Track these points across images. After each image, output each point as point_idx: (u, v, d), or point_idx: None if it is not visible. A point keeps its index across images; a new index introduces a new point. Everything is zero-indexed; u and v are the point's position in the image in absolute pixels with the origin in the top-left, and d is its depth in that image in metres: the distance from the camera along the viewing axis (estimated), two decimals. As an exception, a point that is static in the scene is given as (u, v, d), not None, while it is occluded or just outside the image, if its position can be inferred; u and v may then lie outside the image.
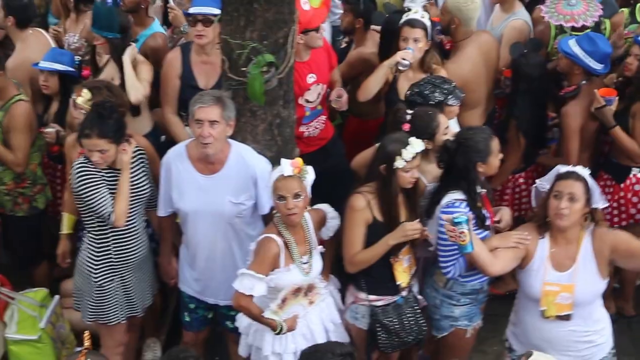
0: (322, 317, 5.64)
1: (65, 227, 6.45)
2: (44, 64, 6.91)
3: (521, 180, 7.31)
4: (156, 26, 7.53)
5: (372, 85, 6.65)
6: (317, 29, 6.52)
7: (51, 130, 6.89)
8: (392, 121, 6.03)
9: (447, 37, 7.35)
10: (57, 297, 6.52)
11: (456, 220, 5.17)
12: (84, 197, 5.73)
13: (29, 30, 7.45)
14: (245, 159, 5.70)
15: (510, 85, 7.16)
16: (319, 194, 5.87)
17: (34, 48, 7.32)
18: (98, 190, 5.70)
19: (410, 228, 5.49)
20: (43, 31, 7.69)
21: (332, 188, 6.52)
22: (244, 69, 5.63)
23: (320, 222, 5.68)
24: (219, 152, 5.63)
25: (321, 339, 5.50)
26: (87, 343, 4.50)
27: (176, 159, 5.79)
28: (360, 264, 5.59)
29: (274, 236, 5.41)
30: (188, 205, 5.75)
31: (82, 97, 6.00)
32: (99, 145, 5.63)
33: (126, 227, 5.86)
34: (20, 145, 6.79)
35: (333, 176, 6.52)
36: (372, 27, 7.51)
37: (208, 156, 5.61)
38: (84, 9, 7.72)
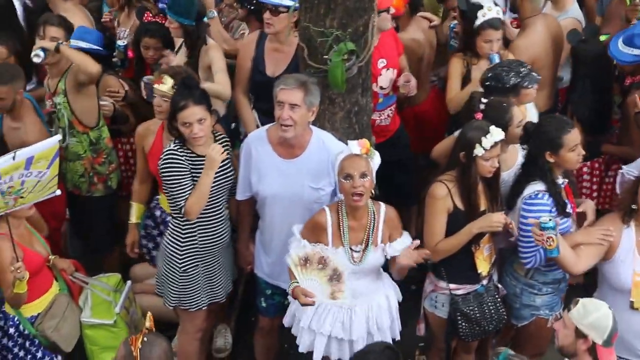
0: (368, 315, 5.59)
1: (134, 217, 6.51)
2: (72, 43, 6.91)
3: (585, 169, 7.22)
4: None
5: (462, 98, 6.59)
6: (387, 10, 6.50)
7: (107, 102, 6.95)
8: (465, 109, 6.01)
9: (513, 16, 7.32)
10: (129, 282, 6.55)
11: (544, 225, 5.17)
12: (168, 185, 5.75)
13: (70, 2, 7.48)
14: (326, 144, 5.70)
15: (571, 72, 7.11)
16: (382, 183, 5.89)
17: (75, 19, 7.32)
18: (180, 181, 5.70)
19: (497, 220, 5.48)
20: (83, 8, 7.74)
21: (394, 178, 6.56)
22: (325, 56, 5.64)
23: (393, 224, 5.57)
24: (300, 136, 5.64)
25: (358, 335, 5.51)
26: (148, 324, 4.51)
27: (256, 142, 5.80)
28: (443, 252, 5.59)
29: (328, 210, 5.45)
30: (267, 189, 5.76)
31: (165, 84, 6.02)
32: (198, 114, 5.63)
33: (212, 214, 5.87)
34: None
35: (397, 166, 6.51)
36: (420, 13, 7.49)
37: (287, 139, 5.62)
38: (136, 4, 7.77)
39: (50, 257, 6.06)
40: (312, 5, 5.65)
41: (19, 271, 5.50)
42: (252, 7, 7.25)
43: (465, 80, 6.80)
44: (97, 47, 7.12)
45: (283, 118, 5.51)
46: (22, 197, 5.47)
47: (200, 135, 5.68)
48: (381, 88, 6.69)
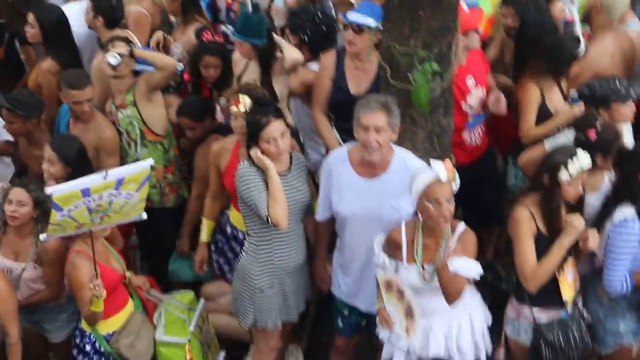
0: (447, 335, 5.51)
1: (205, 234, 6.51)
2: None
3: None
4: None
5: (545, 132, 6.48)
6: (476, 30, 6.43)
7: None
8: (579, 122, 5.92)
9: (585, 28, 7.25)
10: (203, 300, 6.52)
11: None
12: (247, 200, 5.76)
13: (117, 30, 7.46)
14: (407, 164, 5.64)
15: None
16: (466, 202, 5.80)
17: None
18: (258, 191, 5.70)
19: (578, 222, 5.37)
20: (129, 31, 7.70)
21: (481, 197, 6.47)
22: (407, 75, 5.59)
23: (467, 245, 5.41)
24: (382, 156, 5.59)
25: (436, 354, 5.43)
26: None
27: (337, 162, 5.77)
28: (543, 277, 5.41)
29: (404, 227, 5.41)
30: (347, 208, 5.72)
31: (244, 103, 6.02)
32: (280, 127, 5.69)
33: (287, 233, 5.85)
34: None
35: (484, 185, 6.42)
36: None
37: (372, 161, 5.56)
38: (192, 21, 7.76)
39: (126, 273, 6.05)
40: (395, 25, 5.62)
41: (96, 289, 5.50)
42: (306, 37, 7.13)
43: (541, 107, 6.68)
44: (150, 68, 7.11)
45: (369, 142, 5.47)
46: (108, 216, 5.46)
47: (285, 149, 5.73)
48: (470, 107, 6.60)
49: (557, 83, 6.66)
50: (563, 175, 5.34)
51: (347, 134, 6.48)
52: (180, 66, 7.39)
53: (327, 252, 6.12)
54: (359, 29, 6.42)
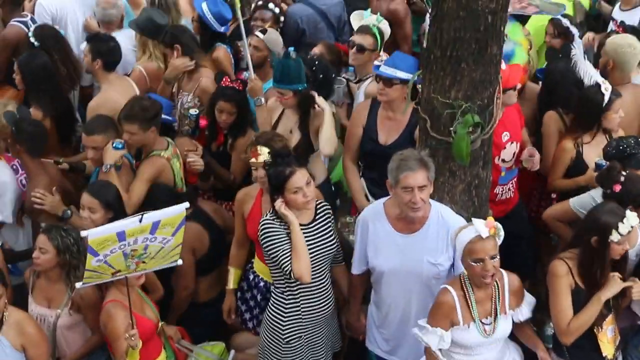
0: None
1: (232, 282, 6.44)
2: None
3: None
4: None
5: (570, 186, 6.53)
6: (514, 87, 6.43)
7: (197, 158, 6.94)
8: (604, 178, 5.92)
9: None
10: (233, 351, 6.43)
11: None
12: (270, 254, 5.73)
13: (115, 74, 7.47)
14: (445, 219, 5.60)
15: None
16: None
17: (118, 89, 7.30)
18: (281, 246, 5.68)
19: (620, 280, 5.37)
20: (127, 77, 7.72)
21: (511, 250, 6.41)
22: (448, 127, 5.58)
23: (518, 291, 5.49)
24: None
25: None
26: None
27: (374, 217, 5.72)
28: (577, 331, 5.43)
29: (451, 289, 5.35)
30: (384, 264, 5.66)
31: (263, 155, 6.02)
32: (305, 176, 5.68)
33: (314, 283, 5.80)
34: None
35: (515, 239, 6.36)
36: None
37: (414, 218, 5.53)
38: (201, 64, 7.67)
39: (159, 323, 5.98)
40: (437, 76, 5.60)
41: (132, 339, 5.43)
42: (322, 76, 7.07)
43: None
44: (167, 117, 7.13)
45: (415, 202, 5.44)
46: (144, 262, 5.39)
47: (312, 197, 5.70)
48: (504, 161, 6.58)
49: (596, 134, 6.68)
50: (614, 237, 5.34)
51: (374, 185, 6.54)
52: (194, 111, 7.35)
53: (360, 304, 6.07)
54: (389, 81, 6.43)
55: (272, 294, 5.94)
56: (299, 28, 8.48)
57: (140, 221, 5.16)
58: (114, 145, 6.46)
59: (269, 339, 5.92)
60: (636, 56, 7.10)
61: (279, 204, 5.67)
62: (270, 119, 6.92)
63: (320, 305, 5.86)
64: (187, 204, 5.39)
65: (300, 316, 5.84)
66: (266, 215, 5.82)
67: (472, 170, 5.77)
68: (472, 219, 5.29)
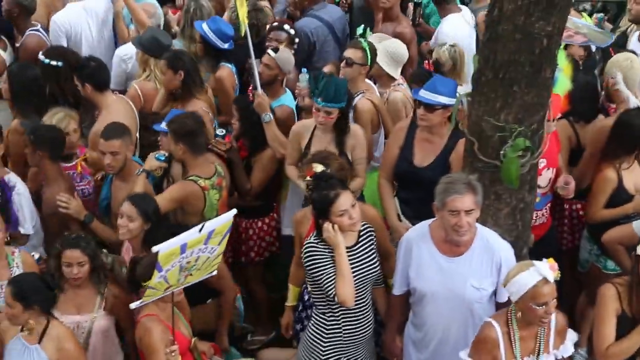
0: None
1: (291, 299, 6.39)
2: (163, 126, 6.80)
3: None
4: (286, 98, 7.54)
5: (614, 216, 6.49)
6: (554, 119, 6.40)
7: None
8: None
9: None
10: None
11: None
12: (313, 276, 5.69)
13: (111, 95, 7.37)
14: (490, 243, 5.55)
15: None
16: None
17: (116, 113, 7.16)
18: (325, 269, 5.63)
19: None
20: (124, 97, 7.62)
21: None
22: (496, 150, 5.52)
23: (562, 330, 5.41)
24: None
25: None
26: None
27: (418, 238, 5.67)
28: (616, 356, 5.42)
29: (495, 323, 5.26)
30: (427, 286, 5.60)
31: (319, 170, 5.94)
32: (350, 198, 5.63)
33: (356, 305, 5.73)
34: None
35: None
36: None
37: (459, 241, 5.47)
38: (195, 96, 7.44)
39: (192, 339, 5.88)
40: (487, 99, 5.55)
41: (173, 355, 5.35)
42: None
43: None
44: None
45: (461, 226, 5.39)
46: (191, 275, 5.31)
47: (358, 219, 5.65)
48: (539, 187, 6.52)
49: (635, 159, 6.66)
50: None
51: (406, 205, 6.50)
52: (221, 131, 7.19)
53: (397, 325, 5.99)
54: (430, 107, 6.38)
55: (313, 315, 5.88)
56: (310, 42, 8.45)
57: (200, 231, 5.09)
58: (156, 156, 6.40)
59: (307, 357, 5.85)
60: (636, 72, 7.08)
61: (327, 228, 5.59)
62: (299, 140, 6.82)
63: (361, 327, 5.80)
64: (235, 211, 5.34)
65: (341, 338, 5.78)
66: (310, 238, 5.76)
67: (518, 194, 5.71)
68: (535, 261, 5.18)
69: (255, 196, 7.14)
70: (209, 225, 5.11)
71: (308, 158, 6.28)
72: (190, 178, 6.53)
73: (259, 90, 7.00)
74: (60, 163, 6.87)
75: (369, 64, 7.32)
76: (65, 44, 8.26)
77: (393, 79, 7.59)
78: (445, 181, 5.46)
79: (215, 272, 5.55)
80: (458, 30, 8.48)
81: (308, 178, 6.01)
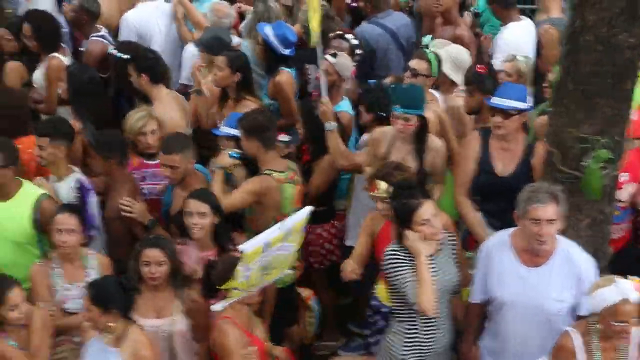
0: None
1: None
2: (224, 130, 6.89)
3: None
4: (344, 104, 7.56)
5: None
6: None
7: None
8: None
9: None
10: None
11: None
12: (394, 283, 5.69)
13: (164, 88, 7.48)
14: (572, 255, 5.54)
15: None
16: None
17: (169, 106, 7.33)
18: (406, 277, 5.63)
19: None
20: (179, 95, 7.73)
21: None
22: (578, 161, 5.53)
23: None
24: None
25: None
26: None
27: (499, 247, 5.67)
28: None
29: (574, 334, 5.25)
30: (506, 295, 5.60)
31: (381, 190, 6.01)
32: (432, 208, 5.64)
33: (435, 315, 5.71)
34: None
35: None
36: None
37: (540, 251, 5.47)
38: (245, 97, 7.58)
39: (266, 343, 5.92)
40: (568, 110, 5.57)
41: (250, 356, 5.39)
42: (383, 114, 7.01)
43: None
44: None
45: (542, 235, 5.39)
46: (268, 274, 5.36)
47: (439, 229, 5.65)
48: (619, 201, 6.50)
49: None
50: None
51: (491, 216, 6.45)
52: (286, 138, 7.27)
53: (475, 334, 5.98)
54: (507, 113, 6.38)
55: (393, 322, 5.88)
56: (369, 48, 8.46)
57: (280, 229, 5.15)
58: (230, 153, 6.46)
59: None
60: None
61: (411, 236, 5.60)
62: (377, 146, 6.76)
63: (440, 337, 5.78)
64: (311, 208, 5.37)
65: (419, 346, 5.76)
66: (392, 245, 5.78)
67: (598, 206, 5.72)
68: (618, 278, 5.16)
69: (315, 201, 7.04)
70: (287, 222, 5.16)
71: (372, 173, 6.27)
72: (265, 172, 6.57)
73: (325, 98, 7.02)
74: (144, 160, 6.98)
75: (434, 75, 7.35)
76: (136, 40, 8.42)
77: (455, 84, 7.59)
78: (529, 190, 5.47)
79: (288, 271, 5.58)
80: (519, 39, 8.43)
81: (371, 193, 6.07)
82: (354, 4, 8.95)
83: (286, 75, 7.88)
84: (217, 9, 8.48)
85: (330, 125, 6.87)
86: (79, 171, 6.79)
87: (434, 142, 6.69)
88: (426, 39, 7.62)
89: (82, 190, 6.57)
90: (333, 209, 7.41)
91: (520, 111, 6.37)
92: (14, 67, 8.14)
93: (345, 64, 7.59)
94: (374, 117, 7.11)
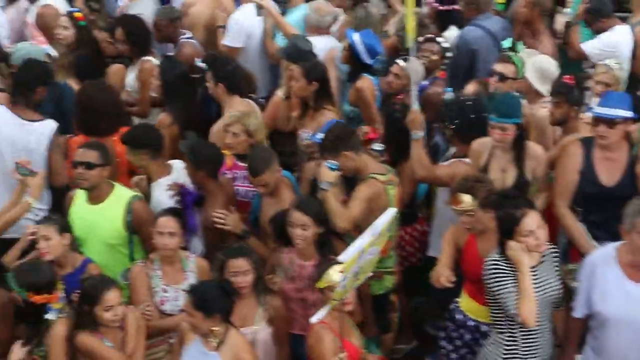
0: None
1: None
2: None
3: None
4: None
5: None
6: None
7: None
8: None
9: None
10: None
11: None
12: (495, 294, 5.62)
13: (239, 98, 7.49)
14: None
15: None
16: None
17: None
18: (508, 288, 5.55)
19: None
20: (252, 103, 7.71)
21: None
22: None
23: None
24: None
25: None
26: None
27: (603, 261, 5.55)
28: None
29: None
30: (610, 310, 5.48)
31: (464, 203, 5.95)
32: (537, 218, 5.54)
33: (536, 327, 5.63)
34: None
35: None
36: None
37: None
38: (324, 106, 7.52)
39: (361, 350, 5.89)
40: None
41: None
42: (454, 126, 6.95)
43: None
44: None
45: None
46: (357, 279, 5.35)
47: (543, 241, 5.55)
48: None
49: None
50: None
51: (596, 227, 6.33)
52: (380, 146, 7.16)
53: (575, 349, 5.87)
54: (611, 122, 6.26)
55: (491, 334, 5.82)
56: (471, 50, 8.40)
57: (372, 234, 5.17)
58: (329, 166, 6.40)
59: None
60: None
61: (514, 247, 5.51)
62: (478, 158, 6.66)
63: (540, 349, 5.69)
64: (394, 209, 5.40)
65: (518, 358, 5.68)
66: (493, 254, 5.69)
67: None
68: None
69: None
70: (376, 226, 5.16)
71: (454, 187, 6.18)
72: (370, 176, 6.52)
73: (415, 106, 6.95)
74: (237, 162, 7.02)
75: (520, 77, 7.28)
76: (243, 42, 8.67)
77: (541, 95, 7.49)
78: (637, 203, 5.35)
79: (371, 273, 5.58)
80: (622, 45, 8.37)
81: (455, 207, 6.01)
82: (444, 7, 8.85)
83: (367, 82, 7.90)
84: (319, 8, 8.62)
85: (417, 134, 6.77)
86: (181, 168, 6.85)
87: (535, 149, 6.60)
88: (507, 42, 7.55)
89: (184, 193, 6.61)
90: (416, 212, 7.35)
91: (625, 119, 6.25)
92: (116, 70, 8.37)
93: (416, 69, 7.55)
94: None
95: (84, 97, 7.27)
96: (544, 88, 7.45)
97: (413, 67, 7.52)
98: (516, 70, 7.27)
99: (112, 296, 5.63)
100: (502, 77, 7.26)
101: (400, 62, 7.52)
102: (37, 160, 6.88)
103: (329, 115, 7.34)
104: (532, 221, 5.52)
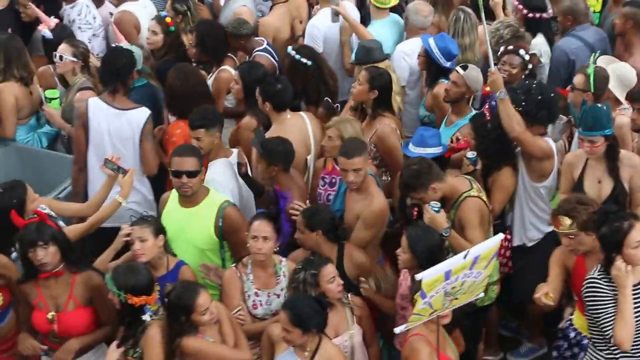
0: None
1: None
2: (414, 150, 6.86)
3: None
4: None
5: None
6: None
7: None
8: None
9: None
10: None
11: None
12: (592, 313, 5.55)
13: (287, 114, 7.42)
14: None
15: None
16: None
17: (288, 129, 7.26)
18: (606, 308, 5.47)
19: None
20: (304, 115, 7.63)
21: None
22: None
23: None
24: None
25: None
26: None
27: None
28: None
29: None
30: None
31: (566, 224, 5.85)
32: None
33: (634, 345, 5.54)
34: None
35: None
36: None
37: None
38: (381, 113, 7.48)
39: None
40: None
41: None
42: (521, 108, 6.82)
43: None
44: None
45: None
46: (456, 299, 5.30)
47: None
48: None
49: None
50: None
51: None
52: (472, 155, 7.10)
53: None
54: None
55: (589, 349, 5.76)
56: (569, 60, 8.35)
57: (465, 257, 5.11)
58: (434, 209, 6.35)
59: None
60: None
61: (619, 265, 5.41)
62: (572, 170, 6.68)
63: None
64: (502, 235, 5.36)
65: None
66: (594, 272, 5.60)
67: None
68: None
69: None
70: (474, 251, 5.15)
71: (555, 209, 6.08)
72: (465, 196, 6.48)
73: (493, 67, 6.89)
74: (337, 167, 6.93)
75: (591, 90, 7.17)
76: (321, 47, 8.68)
77: (619, 102, 7.41)
78: None
79: (481, 295, 5.53)
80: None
81: (556, 230, 5.94)
82: (532, 15, 8.73)
83: (444, 88, 7.80)
84: (421, 9, 8.64)
85: (502, 93, 6.69)
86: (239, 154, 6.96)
87: (631, 158, 6.56)
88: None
89: (279, 198, 6.59)
90: (505, 222, 7.23)
91: None
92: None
93: (476, 77, 7.48)
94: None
95: (177, 80, 7.47)
96: (622, 95, 7.40)
97: (472, 75, 7.45)
98: (586, 81, 7.21)
99: (203, 300, 5.60)
100: (573, 87, 7.27)
101: (459, 69, 7.46)
102: (131, 149, 7.05)
103: (385, 122, 7.34)
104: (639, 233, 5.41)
